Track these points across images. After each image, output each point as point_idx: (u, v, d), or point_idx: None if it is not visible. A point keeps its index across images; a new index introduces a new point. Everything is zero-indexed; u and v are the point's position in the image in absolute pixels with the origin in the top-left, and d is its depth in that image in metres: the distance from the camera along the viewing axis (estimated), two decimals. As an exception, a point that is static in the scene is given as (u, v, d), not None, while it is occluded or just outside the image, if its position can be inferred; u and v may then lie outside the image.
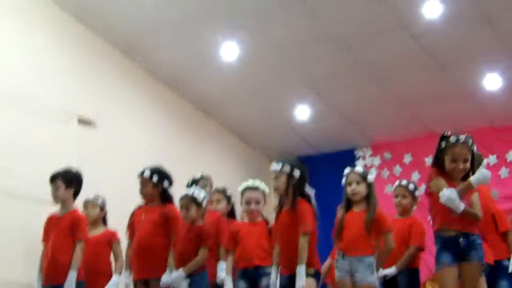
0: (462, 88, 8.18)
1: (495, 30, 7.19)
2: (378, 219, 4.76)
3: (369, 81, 8.25)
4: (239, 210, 6.32)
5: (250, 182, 5.56)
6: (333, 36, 7.30)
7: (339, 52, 7.86)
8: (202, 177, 6.22)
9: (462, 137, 4.41)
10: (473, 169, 4.45)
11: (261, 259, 5.33)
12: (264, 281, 5.30)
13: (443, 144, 4.42)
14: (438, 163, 4.43)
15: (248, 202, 5.42)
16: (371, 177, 5.01)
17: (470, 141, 4.46)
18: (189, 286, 5.32)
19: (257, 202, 5.40)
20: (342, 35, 7.30)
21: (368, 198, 4.88)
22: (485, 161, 4.89)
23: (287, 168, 4.91)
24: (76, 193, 5.64)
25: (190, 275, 5.31)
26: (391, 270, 5.46)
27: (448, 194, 4.17)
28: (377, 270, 4.98)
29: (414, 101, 8.44)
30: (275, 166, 4.94)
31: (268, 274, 5.15)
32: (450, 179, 4.33)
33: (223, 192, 6.22)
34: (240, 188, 5.53)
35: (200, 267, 5.36)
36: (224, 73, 8.14)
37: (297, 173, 4.93)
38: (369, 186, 4.94)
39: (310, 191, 5.05)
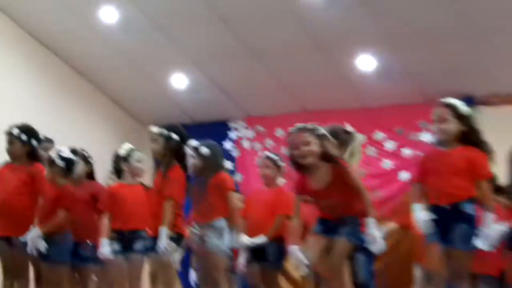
0: (338, 69, 8.25)
1: (370, 12, 7.24)
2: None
3: (249, 57, 8.21)
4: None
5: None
6: (217, 13, 7.25)
7: (221, 27, 7.82)
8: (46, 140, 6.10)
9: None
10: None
11: (137, 222, 5.38)
12: (138, 245, 5.30)
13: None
14: None
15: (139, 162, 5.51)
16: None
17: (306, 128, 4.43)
18: (49, 246, 5.31)
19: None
20: (225, 12, 7.24)
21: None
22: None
23: (165, 132, 5.07)
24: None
25: (51, 236, 5.29)
26: (260, 240, 5.52)
27: None
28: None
29: (292, 79, 8.48)
30: (154, 129, 5.11)
31: (143, 238, 5.23)
32: None
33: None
34: (126, 150, 5.47)
35: (61, 228, 5.37)
36: (102, 37, 7.98)
37: (175, 137, 5.07)
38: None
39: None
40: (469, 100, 7.55)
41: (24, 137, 5.41)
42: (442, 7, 7.07)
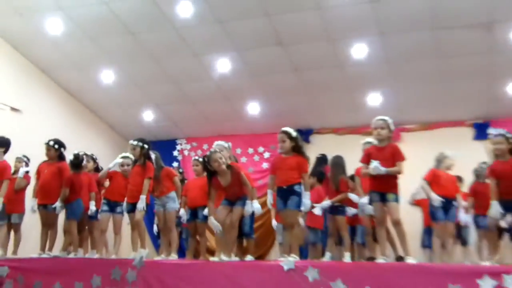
0: (236, 113, 9.16)
1: (252, 72, 8.08)
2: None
3: (186, 102, 9.06)
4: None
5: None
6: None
7: (171, 86, 8.61)
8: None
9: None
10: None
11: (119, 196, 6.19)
12: (119, 208, 6.22)
13: None
14: None
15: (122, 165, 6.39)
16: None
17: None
18: (67, 209, 6.15)
19: (128, 165, 6.32)
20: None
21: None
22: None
23: (140, 143, 5.77)
24: (5, 151, 6.19)
25: (69, 203, 6.12)
26: (205, 211, 5.95)
27: None
28: None
29: (213, 116, 9.37)
30: (134, 142, 5.77)
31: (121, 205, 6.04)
32: None
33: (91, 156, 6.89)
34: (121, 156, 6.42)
35: (73, 196, 6.13)
36: (102, 89, 8.79)
37: (146, 146, 5.80)
38: None
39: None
40: (309, 130, 9.42)
41: (56, 146, 6.23)
42: (290, 72, 8.05)
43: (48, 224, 6.19)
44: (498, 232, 5.88)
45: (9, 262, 5.74)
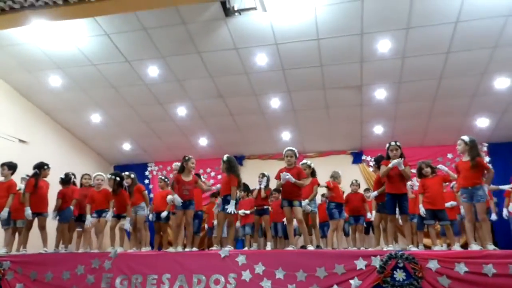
0: (190, 142, 8.85)
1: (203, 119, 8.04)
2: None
3: (154, 136, 8.75)
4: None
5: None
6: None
7: (143, 126, 8.36)
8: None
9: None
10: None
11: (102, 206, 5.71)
12: (105, 214, 5.74)
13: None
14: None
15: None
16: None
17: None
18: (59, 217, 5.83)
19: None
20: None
21: None
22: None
23: (113, 176, 5.58)
24: (13, 173, 5.84)
25: (59, 210, 5.80)
26: (164, 213, 6.03)
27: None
28: None
29: (174, 147, 8.94)
30: (109, 175, 5.65)
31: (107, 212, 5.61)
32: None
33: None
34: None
35: (64, 205, 5.78)
36: (94, 127, 8.46)
37: (119, 179, 5.58)
38: None
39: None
40: (242, 156, 9.23)
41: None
42: (229, 116, 7.93)
43: (39, 226, 5.82)
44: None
45: (11, 258, 5.37)
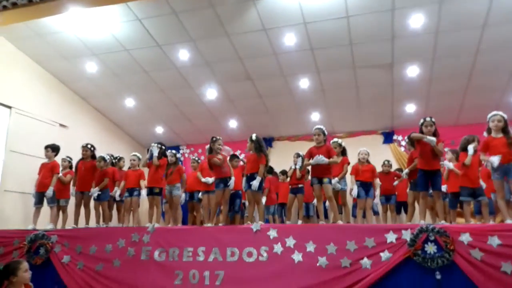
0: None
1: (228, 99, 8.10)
2: None
3: (184, 121, 8.91)
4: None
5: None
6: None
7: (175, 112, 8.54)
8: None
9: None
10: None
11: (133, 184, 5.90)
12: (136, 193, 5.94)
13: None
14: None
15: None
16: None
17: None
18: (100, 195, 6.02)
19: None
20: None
21: None
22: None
23: (157, 145, 5.66)
24: (56, 154, 6.15)
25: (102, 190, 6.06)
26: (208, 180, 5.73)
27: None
28: None
29: (204, 130, 9.08)
30: (154, 146, 5.64)
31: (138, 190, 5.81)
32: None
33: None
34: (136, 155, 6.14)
35: (105, 186, 6.06)
36: (128, 111, 8.66)
37: (163, 147, 5.76)
38: None
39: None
40: (271, 138, 9.29)
41: (91, 147, 6.23)
42: (257, 98, 7.86)
43: (84, 204, 6.06)
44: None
45: (58, 232, 5.64)
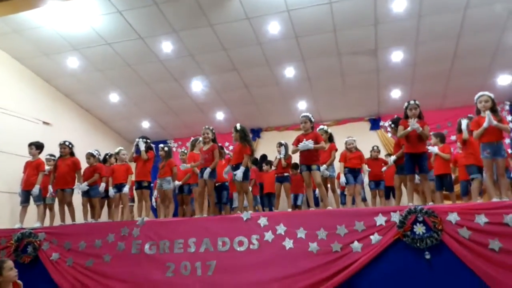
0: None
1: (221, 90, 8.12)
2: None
3: (172, 115, 8.84)
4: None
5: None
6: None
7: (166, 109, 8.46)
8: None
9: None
10: None
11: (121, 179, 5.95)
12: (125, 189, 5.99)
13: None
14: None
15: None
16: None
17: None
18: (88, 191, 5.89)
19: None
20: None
21: None
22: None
23: (142, 140, 5.66)
24: (40, 152, 5.98)
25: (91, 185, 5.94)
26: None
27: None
28: None
29: (191, 124, 9.06)
30: (140, 140, 5.63)
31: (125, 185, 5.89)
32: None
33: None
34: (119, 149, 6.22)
35: (95, 182, 5.99)
36: (116, 108, 8.60)
37: (148, 140, 5.76)
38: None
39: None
40: (259, 129, 9.24)
41: (69, 144, 5.95)
42: (244, 89, 7.87)
43: (65, 202, 5.90)
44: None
45: (45, 229, 5.57)
